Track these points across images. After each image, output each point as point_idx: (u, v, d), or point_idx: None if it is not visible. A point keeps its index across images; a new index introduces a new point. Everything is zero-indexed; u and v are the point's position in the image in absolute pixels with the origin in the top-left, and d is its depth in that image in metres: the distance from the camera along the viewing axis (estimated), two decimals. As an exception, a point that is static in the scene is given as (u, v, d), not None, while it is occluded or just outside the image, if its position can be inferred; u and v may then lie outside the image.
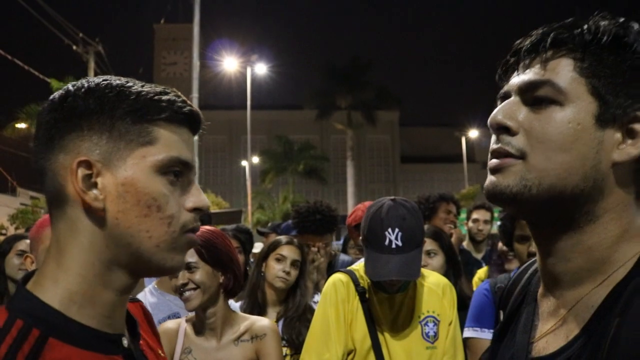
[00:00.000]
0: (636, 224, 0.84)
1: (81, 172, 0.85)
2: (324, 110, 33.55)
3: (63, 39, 17.76)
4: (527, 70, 0.87)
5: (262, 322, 2.28)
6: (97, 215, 0.86)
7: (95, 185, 0.86)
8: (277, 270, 2.90)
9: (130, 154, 0.87)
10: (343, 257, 4.02)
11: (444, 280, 2.33)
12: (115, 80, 0.91)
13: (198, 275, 2.16)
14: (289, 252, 2.95)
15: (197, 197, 0.93)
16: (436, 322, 2.18)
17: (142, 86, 0.91)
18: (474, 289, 2.94)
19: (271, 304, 2.95)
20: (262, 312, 2.84)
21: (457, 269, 3.03)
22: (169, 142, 0.90)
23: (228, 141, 55.94)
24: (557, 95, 0.83)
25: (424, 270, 2.35)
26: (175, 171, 0.90)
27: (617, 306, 0.76)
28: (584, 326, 0.81)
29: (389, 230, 2.04)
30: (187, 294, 2.14)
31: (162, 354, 1.09)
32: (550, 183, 0.82)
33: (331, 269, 3.48)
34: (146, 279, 3.66)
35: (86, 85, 0.90)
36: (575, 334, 0.82)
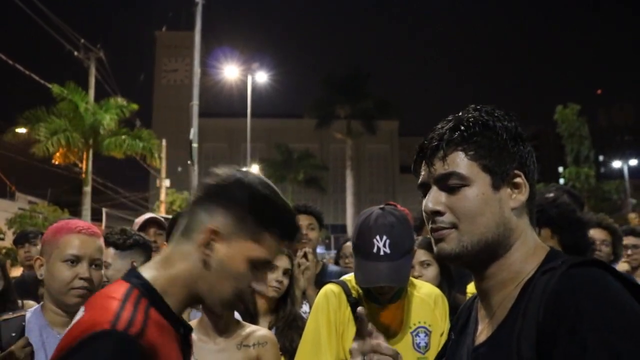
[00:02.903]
0: (533, 244, 1.21)
1: (209, 235, 1.24)
2: (323, 119, 33.63)
3: (64, 45, 17.78)
4: (434, 166, 1.21)
5: (263, 331, 2.38)
6: (202, 262, 1.25)
7: (211, 244, 1.24)
8: (269, 280, 2.90)
9: (241, 240, 1.25)
10: (331, 267, 4.06)
11: (436, 291, 2.34)
12: (266, 192, 1.30)
13: None
14: (280, 261, 2.96)
15: (263, 284, 1.36)
16: (427, 333, 2.19)
17: (285, 206, 1.32)
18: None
19: (263, 313, 2.96)
20: (253, 321, 2.82)
21: (451, 280, 3.03)
22: (268, 248, 1.27)
23: (228, 149, 56.01)
24: (463, 180, 1.17)
25: (416, 281, 2.36)
26: (260, 266, 1.29)
27: (524, 298, 1.10)
28: (506, 316, 1.14)
29: (377, 237, 2.05)
30: None
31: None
32: (479, 239, 1.16)
33: (320, 278, 3.52)
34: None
35: (246, 181, 1.29)
36: (500, 322, 1.15)
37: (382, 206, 2.19)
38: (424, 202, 1.23)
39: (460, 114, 1.26)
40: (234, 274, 1.25)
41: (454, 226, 1.18)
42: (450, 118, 1.25)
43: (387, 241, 2.05)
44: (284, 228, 1.30)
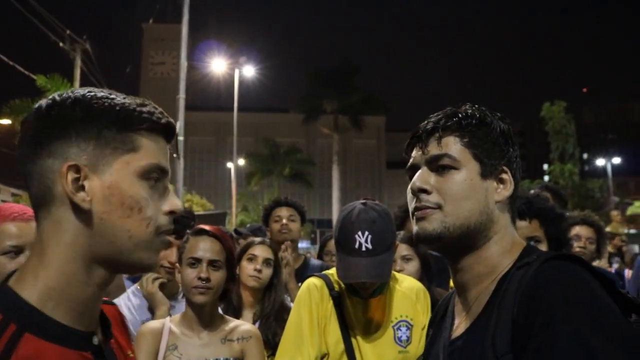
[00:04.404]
0: (511, 240, 1.23)
1: (70, 175, 0.93)
2: (310, 114, 33.54)
3: (50, 36, 17.57)
4: (427, 148, 1.24)
5: (247, 325, 2.38)
6: (83, 216, 0.94)
7: (82, 187, 0.94)
8: (249, 270, 2.92)
9: (116, 160, 0.96)
10: (314, 261, 4.10)
11: (418, 284, 2.35)
12: (99, 92, 0.99)
13: (219, 275, 2.25)
14: (260, 251, 2.98)
15: (173, 200, 1.03)
16: (409, 327, 2.20)
17: (124, 98, 1.00)
18: None
19: (247, 306, 2.96)
20: (237, 314, 2.84)
21: (430, 275, 3.06)
22: (149, 150, 0.99)
23: (214, 143, 55.74)
24: (454, 162, 1.21)
25: (398, 275, 2.38)
26: (155, 177, 1.00)
27: (500, 293, 1.13)
28: (482, 310, 1.16)
29: (359, 233, 2.06)
30: (202, 289, 2.20)
31: (131, 355, 1.16)
32: (461, 222, 1.19)
33: (302, 272, 3.55)
34: (126, 282, 3.64)
35: (72, 96, 0.97)
36: (476, 316, 1.17)
37: (363, 201, 2.20)
38: (412, 181, 1.25)
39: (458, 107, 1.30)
40: (132, 204, 0.96)
41: (438, 207, 1.20)
42: (447, 109, 1.30)
43: (369, 237, 2.06)
44: (147, 120, 0.99)
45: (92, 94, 0.98)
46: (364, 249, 2.05)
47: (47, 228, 0.95)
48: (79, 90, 0.99)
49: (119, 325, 1.18)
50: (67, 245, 0.95)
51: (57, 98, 0.97)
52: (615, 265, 6.34)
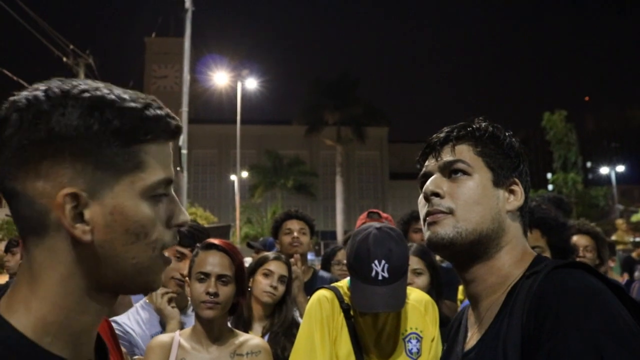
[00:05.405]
0: (522, 250, 1.24)
1: (68, 205, 0.79)
2: (313, 125, 33.65)
3: (53, 51, 17.69)
4: (441, 156, 1.28)
5: (257, 340, 2.36)
6: (82, 246, 0.82)
7: (81, 215, 0.81)
8: (264, 285, 2.92)
9: (118, 181, 0.82)
10: (322, 273, 4.07)
11: (426, 297, 2.35)
12: (93, 89, 0.83)
13: (227, 290, 2.23)
14: (276, 267, 2.97)
15: (181, 213, 0.90)
16: (419, 339, 2.20)
17: (126, 99, 0.84)
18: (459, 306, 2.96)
19: (257, 319, 2.96)
20: (247, 327, 2.84)
21: (439, 288, 3.04)
22: (156, 164, 0.86)
23: (217, 155, 55.81)
24: (467, 168, 1.24)
25: (407, 288, 2.36)
26: (161, 192, 0.87)
27: (510, 302, 1.13)
28: (492, 321, 1.16)
29: (376, 262, 2.04)
30: (210, 304, 2.18)
31: None
32: (473, 228, 1.20)
33: (311, 285, 3.53)
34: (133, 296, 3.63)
35: (62, 99, 0.80)
36: (487, 327, 1.17)
37: (378, 226, 2.17)
38: (425, 185, 1.27)
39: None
40: (137, 229, 0.84)
41: (450, 212, 1.21)
42: (460, 123, 1.33)
43: (386, 266, 2.04)
44: (155, 129, 0.86)
45: (86, 94, 0.81)
46: (380, 277, 2.04)
47: (39, 257, 0.82)
48: (67, 88, 0.82)
49: (110, 340, 1.09)
50: (63, 277, 0.82)
51: (42, 98, 0.80)
52: (636, 274, 6.29)
